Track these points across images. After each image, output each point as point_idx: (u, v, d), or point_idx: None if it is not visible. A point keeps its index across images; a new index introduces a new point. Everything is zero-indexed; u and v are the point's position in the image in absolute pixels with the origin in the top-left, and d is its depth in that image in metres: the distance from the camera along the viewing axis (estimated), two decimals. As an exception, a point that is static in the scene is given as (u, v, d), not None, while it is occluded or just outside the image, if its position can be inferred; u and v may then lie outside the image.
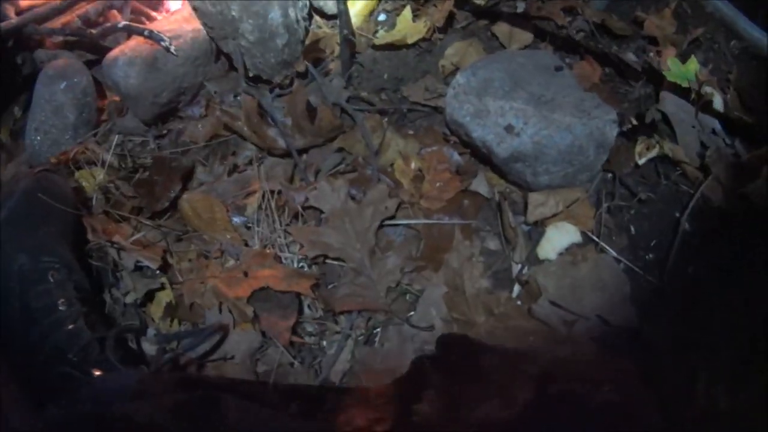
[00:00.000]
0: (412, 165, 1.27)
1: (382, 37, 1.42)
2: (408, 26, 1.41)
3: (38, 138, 1.37)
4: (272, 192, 1.26)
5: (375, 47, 1.42)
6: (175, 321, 1.19)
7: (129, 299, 1.19)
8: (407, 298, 1.17)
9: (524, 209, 1.20)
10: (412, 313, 1.14)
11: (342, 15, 1.31)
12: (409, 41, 1.39)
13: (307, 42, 1.40)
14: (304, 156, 1.33)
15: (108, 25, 1.45)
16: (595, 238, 1.16)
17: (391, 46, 1.41)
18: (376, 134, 1.31)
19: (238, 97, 1.38)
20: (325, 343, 1.15)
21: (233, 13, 1.28)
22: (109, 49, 1.40)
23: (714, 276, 1.10)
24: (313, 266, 1.21)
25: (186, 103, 1.43)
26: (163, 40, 1.34)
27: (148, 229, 1.26)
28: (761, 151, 1.16)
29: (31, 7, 1.47)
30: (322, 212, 1.23)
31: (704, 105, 1.25)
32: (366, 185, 1.25)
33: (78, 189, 1.26)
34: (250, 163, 1.33)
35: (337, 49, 1.40)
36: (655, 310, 1.08)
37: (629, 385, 0.98)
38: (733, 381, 0.96)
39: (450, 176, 1.25)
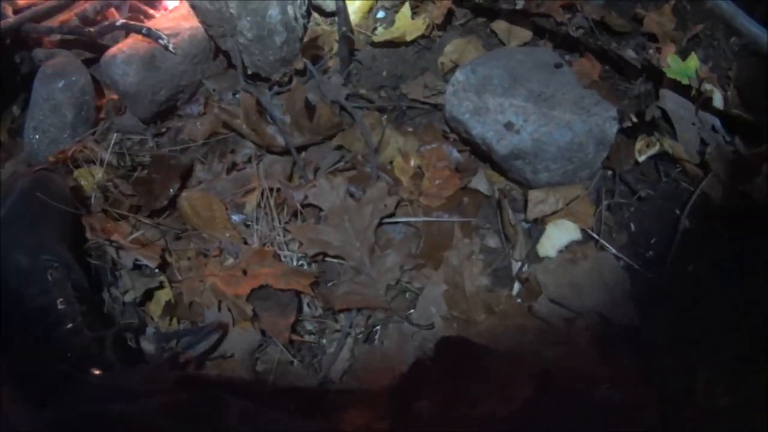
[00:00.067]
0: (412, 162, 1.27)
1: (381, 34, 1.42)
2: (407, 23, 1.41)
3: (37, 137, 1.36)
4: (271, 190, 1.25)
5: (374, 44, 1.42)
6: (174, 320, 1.19)
7: (128, 298, 1.18)
8: (407, 296, 1.16)
9: (524, 207, 1.19)
10: (411, 311, 1.14)
11: (340, 12, 1.31)
12: (408, 38, 1.39)
13: (305, 39, 1.40)
14: (303, 154, 1.33)
15: (106, 23, 1.44)
16: (595, 235, 1.16)
17: (389, 44, 1.41)
18: (375, 132, 1.31)
19: (237, 95, 1.38)
20: (324, 341, 1.15)
21: (231, 11, 1.28)
22: (108, 47, 1.40)
23: (714, 274, 1.10)
24: (313, 264, 1.20)
25: (184, 101, 1.43)
26: (161, 38, 1.34)
27: (147, 227, 1.26)
28: (761, 149, 1.16)
29: (29, 6, 1.47)
30: (321, 210, 1.23)
31: (704, 102, 1.24)
32: (365, 183, 1.25)
33: (76, 188, 1.26)
34: (249, 161, 1.33)
35: (336, 46, 1.40)
36: (654, 308, 1.08)
37: (629, 383, 0.98)
38: (733, 380, 0.96)
39: (449, 174, 1.24)
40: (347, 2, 1.31)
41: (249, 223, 1.25)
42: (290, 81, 1.39)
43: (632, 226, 1.18)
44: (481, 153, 1.24)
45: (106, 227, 1.22)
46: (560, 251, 1.15)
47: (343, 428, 0.98)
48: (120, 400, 0.86)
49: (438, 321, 1.11)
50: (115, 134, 1.38)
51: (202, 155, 1.36)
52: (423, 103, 1.34)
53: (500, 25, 1.40)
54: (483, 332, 1.09)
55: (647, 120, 1.24)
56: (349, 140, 1.32)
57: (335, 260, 1.20)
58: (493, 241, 1.19)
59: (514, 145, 1.14)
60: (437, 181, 1.24)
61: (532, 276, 1.12)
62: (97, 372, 1.00)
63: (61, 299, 1.04)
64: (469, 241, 1.18)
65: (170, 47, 1.34)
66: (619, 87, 1.33)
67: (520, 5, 1.41)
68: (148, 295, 1.19)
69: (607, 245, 1.15)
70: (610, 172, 1.22)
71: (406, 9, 1.42)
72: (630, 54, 1.35)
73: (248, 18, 1.28)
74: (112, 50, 1.36)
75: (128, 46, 1.35)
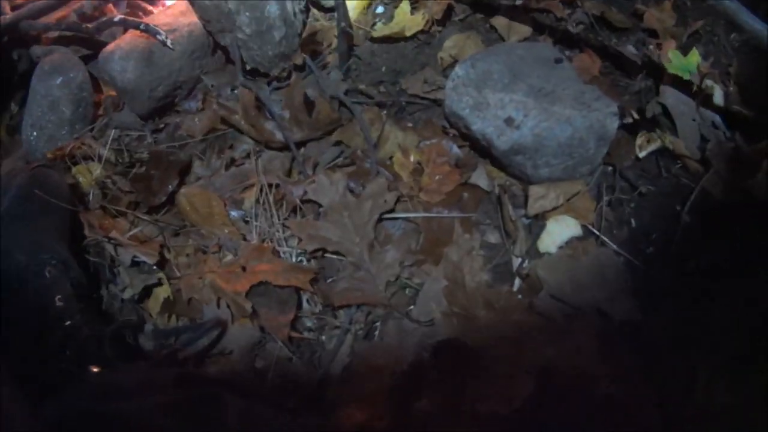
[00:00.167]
0: (411, 158, 1.27)
1: (380, 29, 1.41)
2: (406, 19, 1.40)
3: (34, 133, 1.36)
4: (270, 186, 1.25)
5: (373, 40, 1.41)
6: (173, 316, 1.18)
7: (126, 295, 1.18)
8: (407, 292, 1.16)
9: (524, 202, 1.19)
10: (411, 307, 1.13)
11: (339, 7, 1.30)
12: (408, 34, 1.38)
13: (304, 35, 1.39)
14: (302, 149, 1.32)
15: (104, 19, 1.44)
16: (595, 231, 1.16)
17: (389, 39, 1.40)
18: (374, 127, 1.30)
19: (236, 91, 1.37)
20: (324, 337, 1.15)
21: (230, 6, 1.27)
22: (105, 43, 1.40)
23: (715, 270, 1.09)
24: (312, 260, 1.20)
25: (183, 97, 1.42)
26: (159, 34, 1.33)
27: (146, 224, 1.26)
28: (762, 145, 1.16)
29: (26, 3, 1.46)
30: (320, 206, 1.22)
31: (705, 98, 1.24)
32: (365, 178, 1.25)
33: (74, 184, 1.26)
34: (248, 156, 1.33)
35: (335, 41, 1.39)
36: (655, 304, 1.08)
37: (629, 382, 0.97)
38: (733, 380, 0.96)
39: (449, 169, 1.24)
40: (346, -2, 1.31)
41: (248, 219, 1.25)
42: (289, 76, 1.38)
43: (633, 222, 1.17)
44: (481, 148, 1.23)
45: (105, 224, 1.22)
46: (561, 247, 1.15)
47: (343, 426, 0.97)
48: (119, 397, 0.86)
49: (438, 317, 1.10)
50: (113, 130, 1.37)
51: (200, 151, 1.36)
52: (422, 98, 1.34)
53: (500, 21, 1.40)
54: (483, 328, 1.08)
55: (648, 116, 1.23)
56: (349, 136, 1.31)
57: (335, 256, 1.19)
58: (493, 237, 1.19)
59: (514, 140, 1.14)
60: (437, 177, 1.24)
61: (532, 272, 1.12)
62: (95, 369, 0.99)
63: (59, 297, 1.04)
64: (469, 236, 1.17)
65: (168, 43, 1.34)
66: (619, 83, 1.33)
67: (519, 1, 1.40)
68: (147, 291, 1.19)
69: (608, 241, 1.15)
70: (610, 168, 1.22)
71: (405, 4, 1.42)
72: (630, 50, 1.35)
73: (247, 13, 1.28)
74: (110, 46, 1.36)
75: (126, 42, 1.35)
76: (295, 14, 1.34)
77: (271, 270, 1.15)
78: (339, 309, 1.15)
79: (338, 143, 1.32)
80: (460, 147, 1.26)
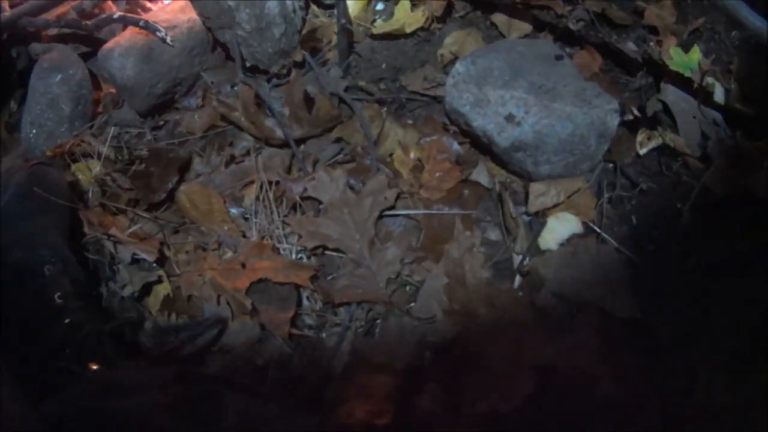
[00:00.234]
0: (412, 155, 1.27)
1: (380, 26, 1.41)
2: (406, 15, 1.40)
3: (34, 131, 1.36)
4: (270, 183, 1.25)
5: (373, 37, 1.41)
6: (173, 314, 1.18)
7: (126, 292, 1.18)
8: (407, 289, 1.16)
9: (525, 199, 1.19)
10: (412, 304, 1.13)
11: (339, 4, 1.30)
12: (408, 30, 1.38)
13: (304, 32, 1.39)
14: (302, 146, 1.32)
15: (103, 16, 1.44)
16: (596, 228, 1.15)
17: (389, 36, 1.40)
18: (374, 124, 1.30)
19: (235, 88, 1.37)
20: (324, 335, 1.14)
21: (229, 3, 1.27)
22: (105, 40, 1.39)
23: (715, 267, 1.09)
24: (312, 257, 1.20)
25: (182, 94, 1.42)
26: (158, 31, 1.33)
27: (145, 221, 1.25)
28: (762, 143, 1.16)
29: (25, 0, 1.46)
30: (320, 203, 1.22)
31: (706, 96, 1.24)
32: (365, 175, 1.25)
33: (74, 182, 1.26)
34: (248, 153, 1.32)
35: (335, 38, 1.39)
36: (655, 301, 1.08)
37: (629, 381, 0.97)
38: (733, 379, 0.96)
39: (450, 166, 1.24)
40: (346, -6, 1.30)
41: (248, 216, 1.25)
42: (289, 73, 1.38)
43: (633, 219, 1.17)
44: (481, 145, 1.23)
45: (104, 221, 1.22)
46: (561, 244, 1.15)
47: (344, 423, 0.97)
48: (118, 395, 0.86)
49: (438, 314, 1.10)
50: (113, 128, 1.37)
51: (200, 148, 1.35)
52: (423, 95, 1.34)
53: (500, 18, 1.39)
54: (484, 326, 1.08)
55: (648, 113, 1.23)
56: (349, 132, 1.31)
57: (335, 253, 1.19)
58: (494, 234, 1.19)
59: (515, 137, 1.13)
60: (437, 174, 1.23)
61: (533, 269, 1.12)
62: (95, 367, 0.99)
63: (58, 294, 1.04)
64: (469, 233, 1.17)
65: (168, 40, 1.33)
66: (619, 80, 1.33)
67: (519, -3, 1.40)
68: (147, 289, 1.19)
69: (609, 238, 1.14)
70: (611, 165, 1.22)
71: (405, 1, 1.41)
72: (631, 47, 1.34)
73: (247, 10, 1.27)
74: (110, 43, 1.36)
75: (125, 39, 1.35)
76: (294, 11, 1.34)
77: (271, 267, 1.15)
78: (339, 306, 1.15)
79: (338, 140, 1.31)
80: (460, 144, 1.26)
